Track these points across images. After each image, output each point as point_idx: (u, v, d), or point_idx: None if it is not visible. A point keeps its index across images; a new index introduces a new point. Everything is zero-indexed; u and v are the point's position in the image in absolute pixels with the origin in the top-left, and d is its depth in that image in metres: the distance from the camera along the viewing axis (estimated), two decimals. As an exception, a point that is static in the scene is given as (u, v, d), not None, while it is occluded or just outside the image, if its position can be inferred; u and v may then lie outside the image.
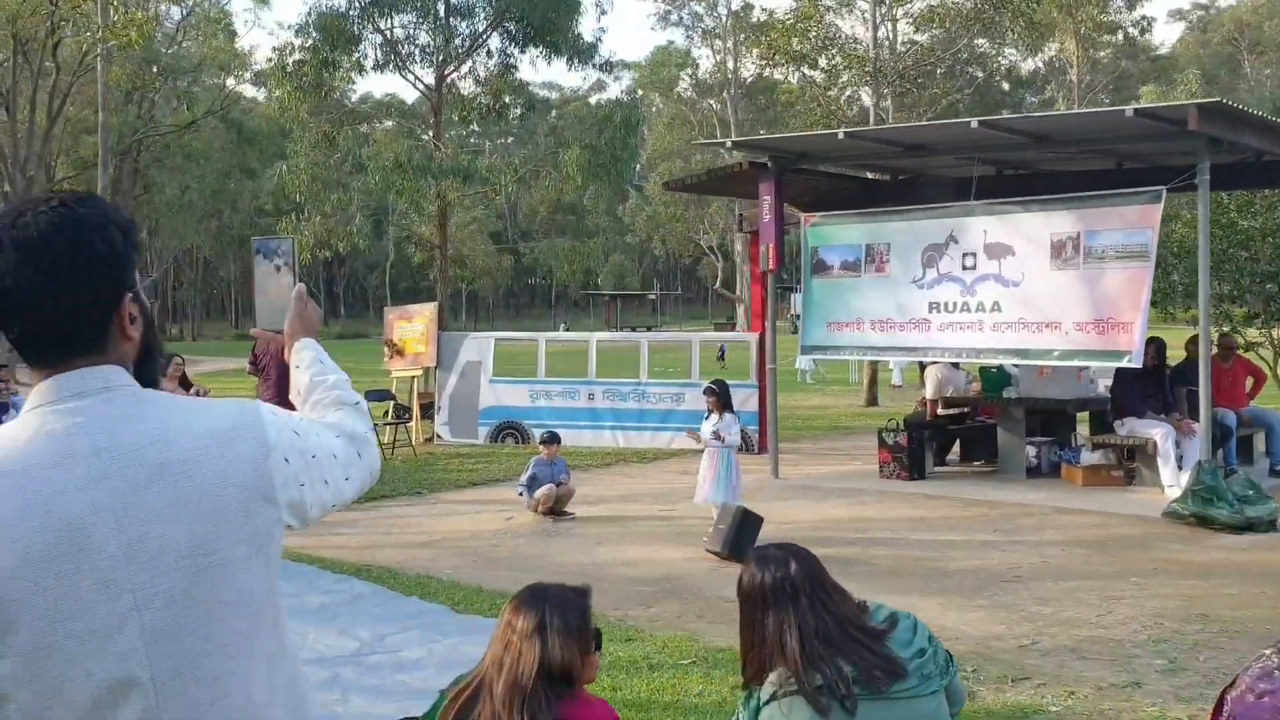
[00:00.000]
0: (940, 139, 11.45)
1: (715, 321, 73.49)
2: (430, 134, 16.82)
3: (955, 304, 11.11)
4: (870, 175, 13.98)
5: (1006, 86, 60.21)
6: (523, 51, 17.71)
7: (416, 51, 17.09)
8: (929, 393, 12.80)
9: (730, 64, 67.41)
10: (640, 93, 72.29)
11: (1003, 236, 10.80)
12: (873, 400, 21.70)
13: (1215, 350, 11.22)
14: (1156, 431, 10.56)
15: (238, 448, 1.66)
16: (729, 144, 11.92)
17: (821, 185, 13.34)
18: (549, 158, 17.08)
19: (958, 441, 13.27)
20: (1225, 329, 13.38)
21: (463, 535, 9.45)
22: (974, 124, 9.95)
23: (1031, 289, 10.59)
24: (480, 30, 16.63)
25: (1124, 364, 10.06)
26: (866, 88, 21.90)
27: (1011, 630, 6.34)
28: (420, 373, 16.18)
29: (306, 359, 2.05)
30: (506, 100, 17.34)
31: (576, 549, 8.78)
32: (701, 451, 9.12)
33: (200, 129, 33.90)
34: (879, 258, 11.65)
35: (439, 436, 15.90)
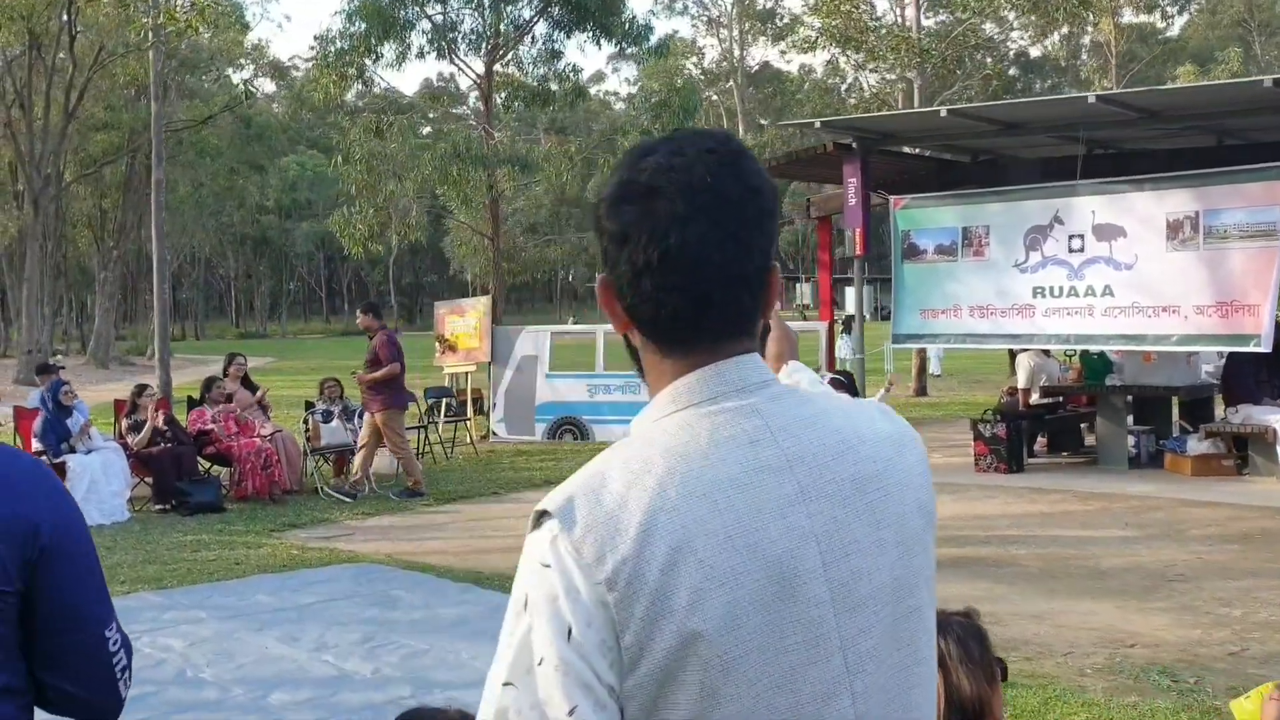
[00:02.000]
0: (1043, 116, 11.04)
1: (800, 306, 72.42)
2: (480, 126, 16.38)
3: (1062, 288, 10.74)
4: (948, 156, 13.58)
5: (1014, 71, 59.76)
6: (569, 36, 17.29)
7: (460, 39, 16.65)
8: (1021, 382, 12.41)
9: (737, 52, 66.99)
10: (647, 82, 72.17)
11: (1112, 217, 10.41)
12: (921, 390, 21.32)
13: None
14: (1277, 418, 10.17)
15: (908, 458, 1.28)
16: (818, 124, 11.50)
17: (901, 167, 12.94)
18: (606, 144, 16.66)
19: (1040, 433, 12.91)
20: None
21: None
22: (1091, 99, 9.53)
23: (1146, 271, 10.23)
24: (528, 17, 16.20)
25: (1251, 348, 9.67)
26: (912, 70, 21.44)
27: (1211, 636, 5.95)
28: (473, 368, 15.79)
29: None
30: (554, 88, 16.89)
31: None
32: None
33: (215, 123, 33.40)
34: (977, 241, 11.28)
35: (494, 434, 15.53)
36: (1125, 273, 10.33)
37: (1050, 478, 11.22)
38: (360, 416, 12.00)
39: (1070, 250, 10.68)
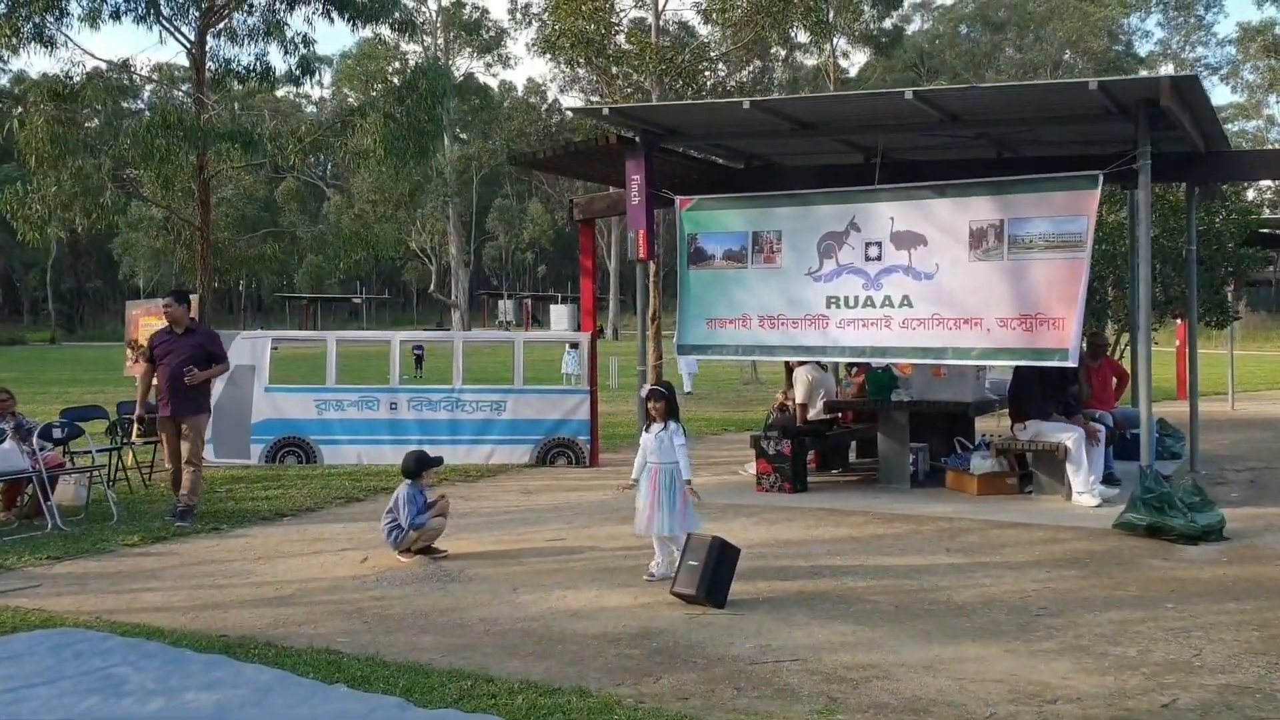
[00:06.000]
0: (846, 113, 10.41)
1: (502, 323, 70.33)
2: (192, 95, 14.12)
3: (858, 299, 10.15)
4: (719, 160, 12.85)
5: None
6: (291, 9, 15.36)
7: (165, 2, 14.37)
8: (800, 396, 11.79)
9: (442, 60, 65.13)
10: (339, 88, 68.92)
11: (913, 224, 9.91)
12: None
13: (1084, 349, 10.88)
14: (1068, 436, 9.96)
15: None
16: (606, 110, 10.36)
17: (676, 170, 12.06)
18: (342, 126, 14.77)
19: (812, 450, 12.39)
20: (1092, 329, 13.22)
21: (321, 585, 7.47)
22: (907, 94, 8.93)
23: (947, 282, 9.76)
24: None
25: (1056, 363, 9.37)
26: (651, 77, 20.81)
27: (1126, 683, 5.23)
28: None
29: None
30: (273, 65, 14.91)
31: (491, 598, 7.01)
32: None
33: None
34: (768, 246, 10.56)
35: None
36: (925, 283, 9.85)
37: (838, 498, 10.62)
38: (38, 435, 9.79)
39: (867, 258, 10.11)
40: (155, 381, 10.00)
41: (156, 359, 9.89)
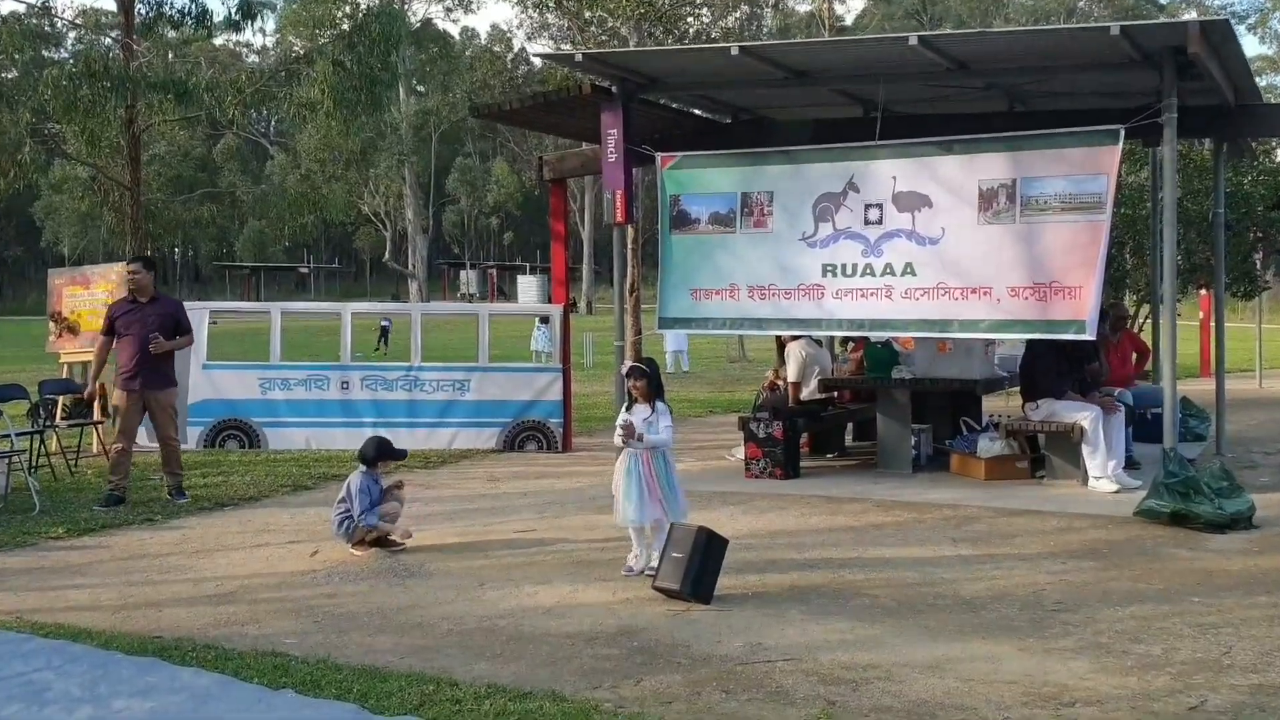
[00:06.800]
0: (845, 61, 10.36)
1: (465, 295, 69.67)
2: (119, 41, 13.90)
3: (856, 266, 10.20)
4: (704, 114, 12.79)
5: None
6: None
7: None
8: (792, 374, 11.81)
9: (396, 3, 64.68)
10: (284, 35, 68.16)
11: (917, 184, 9.94)
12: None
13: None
14: (1084, 415, 9.98)
15: None
16: (579, 56, 10.28)
17: (657, 124, 12.00)
18: (287, 76, 14.58)
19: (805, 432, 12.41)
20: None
21: (266, 581, 7.44)
22: (912, 40, 8.90)
23: (954, 248, 9.81)
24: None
25: (1072, 336, 9.40)
26: (629, 22, 20.69)
27: (1151, 684, 5.24)
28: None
29: None
30: (210, 8, 14.70)
31: (454, 594, 6.98)
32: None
33: None
34: (758, 209, 10.58)
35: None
36: (930, 249, 9.86)
37: (834, 484, 10.66)
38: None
39: (867, 222, 10.12)
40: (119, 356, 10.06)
41: (118, 331, 9.93)
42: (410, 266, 69.84)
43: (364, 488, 8.03)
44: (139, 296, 10.02)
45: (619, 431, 7.19)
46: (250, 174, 76.41)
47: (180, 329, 10.19)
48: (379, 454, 8.24)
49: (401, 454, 8.54)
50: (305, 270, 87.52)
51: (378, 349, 32.75)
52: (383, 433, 11.97)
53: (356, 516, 7.95)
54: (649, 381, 7.26)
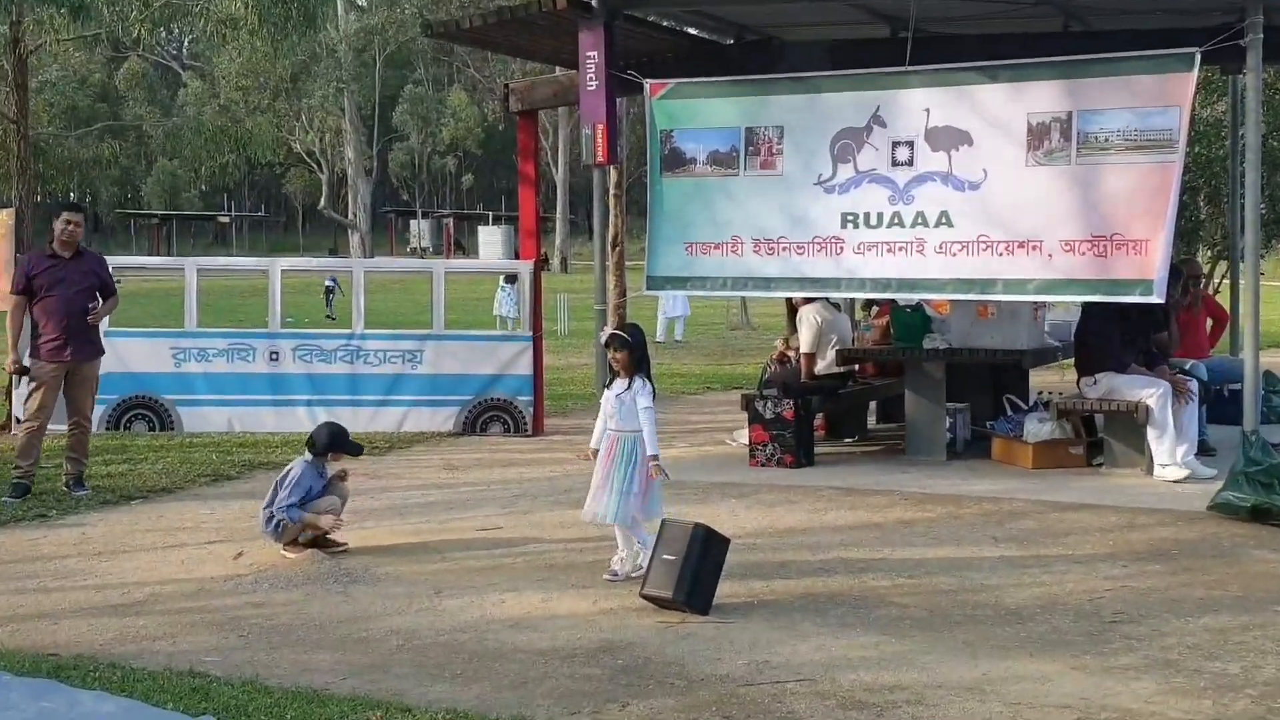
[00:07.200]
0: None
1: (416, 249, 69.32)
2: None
3: (882, 215, 10.23)
4: (701, 34, 12.78)
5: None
6: None
7: None
8: (804, 344, 11.83)
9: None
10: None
11: (954, 118, 9.98)
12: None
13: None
14: (1151, 393, 10.03)
15: None
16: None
17: (646, 46, 11.98)
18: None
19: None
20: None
21: (183, 588, 7.49)
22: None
23: (998, 194, 9.84)
24: None
25: (1138, 298, 9.46)
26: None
27: (1229, 709, 5.28)
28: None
29: None
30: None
31: (406, 603, 7.01)
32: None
33: None
34: (765, 147, 10.63)
35: (19, 420, 13.29)
36: (970, 195, 9.88)
37: (854, 473, 10.75)
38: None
39: (895, 163, 10.14)
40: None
41: (36, 290, 10.01)
42: (351, 215, 69.85)
43: (301, 479, 8.03)
44: (62, 252, 10.04)
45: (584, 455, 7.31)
46: (160, 105, 76.24)
47: (105, 290, 10.32)
48: (331, 444, 8.25)
49: (358, 449, 8.57)
50: (225, 220, 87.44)
51: (329, 315, 32.63)
52: (320, 414, 12.09)
53: (276, 507, 7.93)
54: (631, 352, 7.29)
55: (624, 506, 7.23)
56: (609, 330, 7.83)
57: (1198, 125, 15.56)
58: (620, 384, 7.30)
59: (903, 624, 6.50)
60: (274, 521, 8.04)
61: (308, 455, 8.22)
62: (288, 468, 8.23)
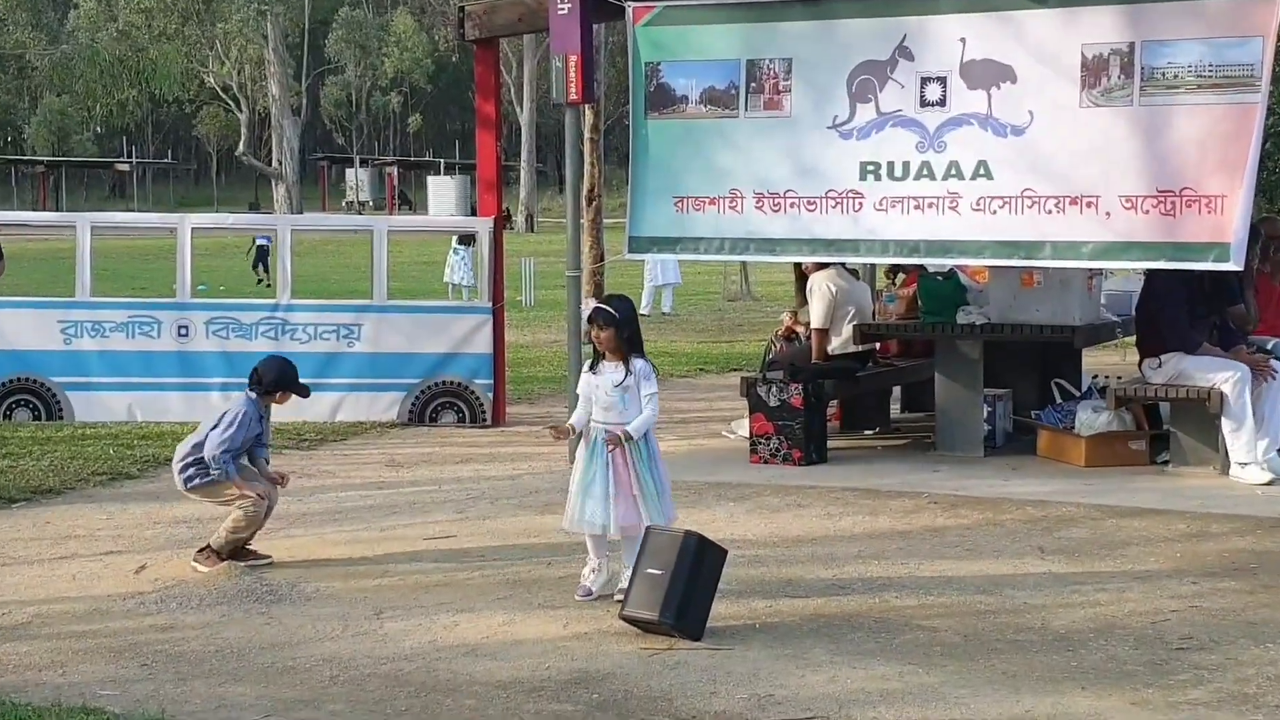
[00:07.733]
0: None
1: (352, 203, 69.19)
2: None
3: (909, 165, 10.30)
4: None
5: None
6: None
7: None
8: (816, 318, 11.87)
9: None
10: None
11: (994, 49, 10.03)
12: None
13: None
14: (1225, 377, 10.09)
15: None
16: None
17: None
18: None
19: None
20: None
21: (75, 607, 7.55)
22: None
23: (1046, 140, 9.90)
24: None
25: (1212, 265, 9.51)
26: None
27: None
28: None
29: None
30: None
31: (341, 626, 7.06)
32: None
33: None
34: (770, 83, 10.68)
35: None
36: (1013, 141, 9.93)
37: (875, 472, 10.87)
38: None
39: (924, 103, 10.19)
40: None
41: None
42: (275, 163, 69.75)
43: (244, 420, 7.99)
44: None
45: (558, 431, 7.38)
46: (45, 30, 76.10)
47: None
48: (279, 381, 8.22)
49: (305, 390, 8.47)
50: (125, 167, 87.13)
51: (261, 280, 32.49)
52: (231, 399, 12.07)
53: (210, 450, 7.88)
54: (618, 330, 7.29)
55: (617, 510, 7.23)
56: (590, 303, 7.84)
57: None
58: (613, 369, 7.30)
59: (932, 651, 6.55)
60: (198, 466, 7.98)
61: (251, 393, 8.19)
62: (227, 408, 8.20)
